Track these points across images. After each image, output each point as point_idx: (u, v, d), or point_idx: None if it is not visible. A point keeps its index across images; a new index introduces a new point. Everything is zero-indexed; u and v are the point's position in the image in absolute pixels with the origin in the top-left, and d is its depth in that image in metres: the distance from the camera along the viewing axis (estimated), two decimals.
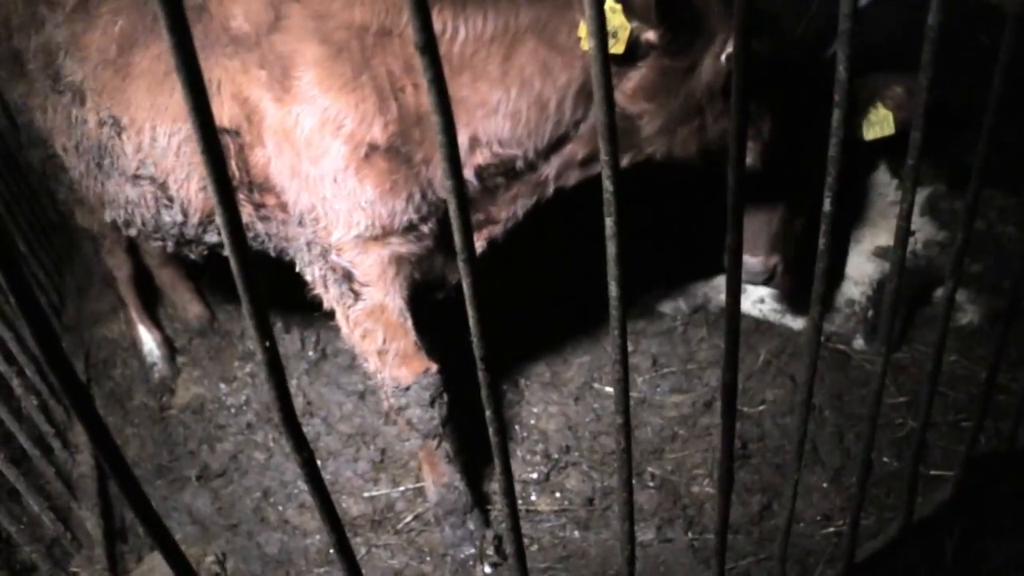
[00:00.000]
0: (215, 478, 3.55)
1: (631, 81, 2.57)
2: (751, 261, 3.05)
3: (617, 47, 2.36)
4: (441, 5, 2.54)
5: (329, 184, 2.61)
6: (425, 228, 2.73)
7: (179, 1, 0.81)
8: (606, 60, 1.11)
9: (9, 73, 3.16)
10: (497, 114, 2.60)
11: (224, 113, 2.68)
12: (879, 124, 3.01)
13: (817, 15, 4.26)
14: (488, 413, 1.28)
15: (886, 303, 1.80)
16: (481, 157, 2.68)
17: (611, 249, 1.24)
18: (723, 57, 2.57)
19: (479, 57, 2.56)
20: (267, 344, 1.05)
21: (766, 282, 3.29)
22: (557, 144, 2.70)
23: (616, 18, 2.33)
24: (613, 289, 1.29)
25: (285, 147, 2.64)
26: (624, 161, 2.74)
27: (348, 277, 2.73)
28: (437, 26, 2.54)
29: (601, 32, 1.08)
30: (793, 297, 3.67)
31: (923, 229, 3.41)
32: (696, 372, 3.70)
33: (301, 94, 2.58)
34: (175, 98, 2.74)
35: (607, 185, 1.19)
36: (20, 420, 3.16)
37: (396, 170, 2.59)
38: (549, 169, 2.77)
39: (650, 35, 2.44)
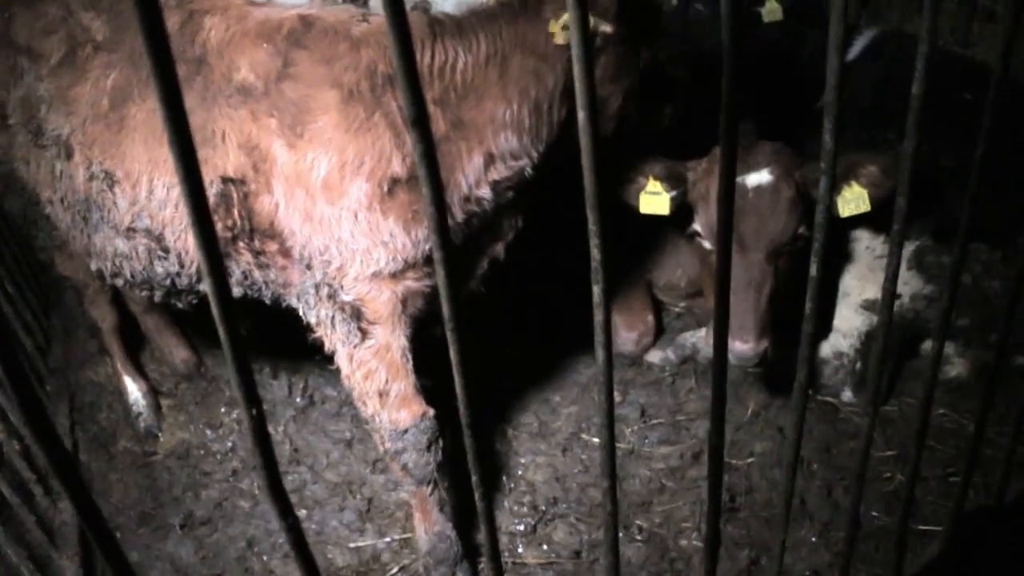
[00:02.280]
0: (199, 526, 3.50)
1: (598, 69, 2.72)
2: (741, 348, 3.05)
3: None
4: (442, 36, 2.66)
5: (348, 223, 2.66)
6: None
7: (168, 55, 0.82)
8: (596, 135, 1.12)
9: None
10: (506, 128, 2.72)
11: (229, 163, 2.71)
12: (854, 201, 3.06)
13: (808, 66, 4.32)
14: (474, 479, 1.27)
15: (872, 364, 1.81)
16: (496, 172, 2.77)
17: (598, 317, 1.24)
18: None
19: (480, 78, 2.69)
20: (254, 412, 1.04)
21: (757, 365, 3.32)
22: (552, 147, 2.84)
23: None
24: (600, 354, 1.29)
25: (297, 191, 2.68)
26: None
27: (357, 315, 2.76)
28: (440, 57, 2.66)
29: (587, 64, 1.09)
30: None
31: (910, 283, 3.44)
32: (684, 423, 3.69)
33: (317, 138, 2.63)
34: None
35: (595, 254, 1.19)
36: (2, 467, 3.14)
37: (416, 200, 2.66)
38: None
39: (607, 28, 2.67)
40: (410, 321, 2.83)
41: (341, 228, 2.67)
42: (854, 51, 4.17)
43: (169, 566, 3.32)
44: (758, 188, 3.11)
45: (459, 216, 2.77)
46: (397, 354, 2.81)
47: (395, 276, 2.73)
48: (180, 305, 3.22)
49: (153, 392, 4.10)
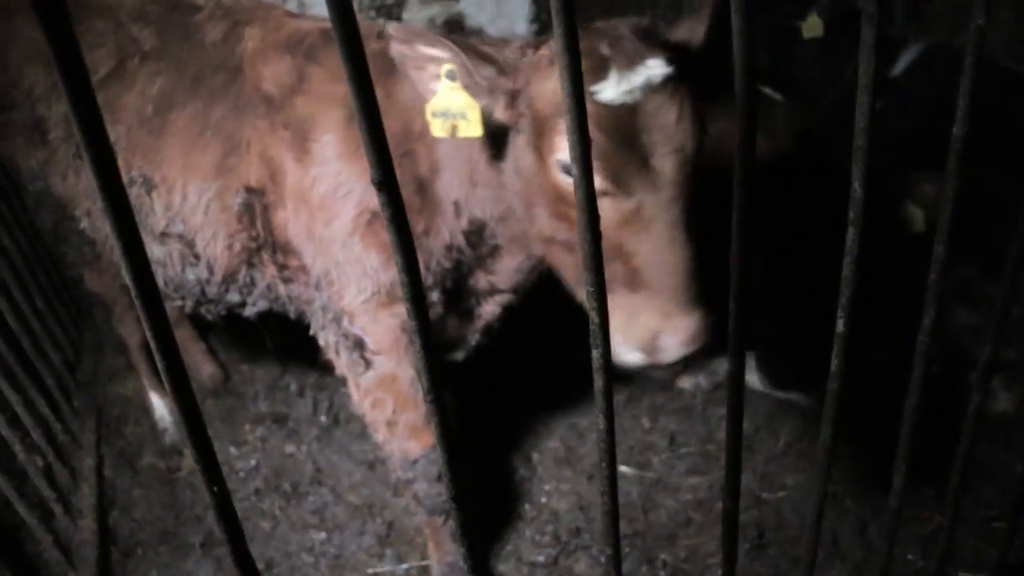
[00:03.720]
0: (219, 546, 3.46)
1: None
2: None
3: (472, 129, 2.29)
4: None
5: (339, 248, 2.62)
6: (432, 296, 2.71)
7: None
8: (592, 199, 1.04)
9: (27, 141, 3.16)
10: (465, 179, 2.57)
11: (252, 172, 2.70)
12: (908, 223, 2.93)
13: (851, 82, 4.19)
14: (462, 550, 1.19)
15: (907, 418, 1.70)
16: (464, 222, 2.64)
17: (598, 383, 1.16)
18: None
19: None
20: (215, 489, 0.98)
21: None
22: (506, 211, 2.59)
23: (459, 98, 2.27)
24: (601, 422, 1.20)
25: (302, 208, 2.65)
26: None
27: (360, 345, 2.71)
28: None
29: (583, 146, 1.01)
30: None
31: (953, 314, 3.29)
32: (715, 453, 3.57)
33: (319, 157, 2.60)
34: (207, 157, 2.75)
35: (593, 317, 1.11)
36: (23, 483, 3.13)
37: None
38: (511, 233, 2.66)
39: (501, 113, 2.32)
40: None
41: (335, 251, 2.63)
42: (900, 66, 4.03)
43: None
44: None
45: (444, 263, 2.68)
46: (405, 385, 2.75)
47: (387, 306, 2.67)
48: (209, 316, 3.21)
49: None
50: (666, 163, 2.08)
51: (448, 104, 2.27)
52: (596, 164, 1.94)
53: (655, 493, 3.43)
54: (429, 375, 1.00)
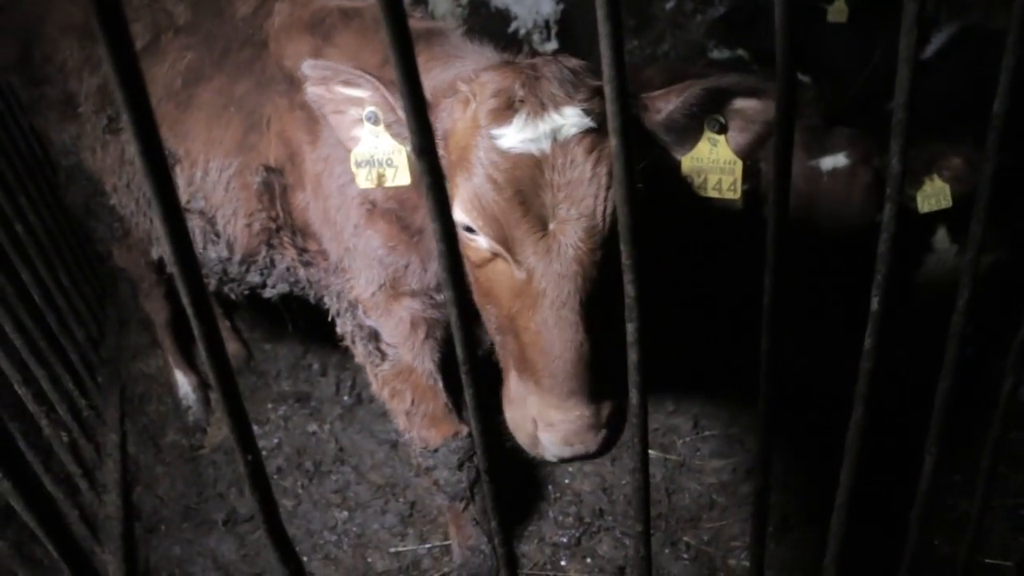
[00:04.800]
0: (242, 523, 3.49)
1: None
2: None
3: (400, 176, 2.09)
4: None
5: (350, 235, 2.54)
6: (438, 297, 2.58)
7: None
8: (629, 155, 1.02)
9: (60, 115, 3.17)
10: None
11: (271, 152, 2.64)
12: (935, 196, 2.87)
13: (879, 66, 4.14)
14: (493, 524, 1.19)
15: (938, 401, 1.67)
16: None
17: (632, 356, 1.14)
18: None
19: None
20: (249, 458, 0.97)
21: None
22: None
23: (384, 143, 2.07)
24: (634, 396, 1.19)
25: (319, 191, 2.60)
26: None
27: (375, 336, 2.65)
28: None
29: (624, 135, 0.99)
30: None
31: (985, 297, 3.24)
32: (738, 436, 3.55)
33: (328, 140, 2.51)
34: (229, 132, 2.71)
35: (629, 290, 1.09)
36: (49, 458, 3.15)
37: (395, 235, 2.47)
38: None
39: None
40: (437, 345, 2.67)
41: (347, 237, 2.54)
42: (931, 48, 3.97)
43: (211, 562, 3.31)
44: (833, 172, 2.97)
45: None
46: (423, 377, 2.67)
47: (395, 298, 2.57)
48: (233, 296, 3.19)
49: (203, 386, 4.11)
50: (568, 230, 1.78)
51: (372, 151, 2.07)
52: (485, 219, 1.79)
53: (679, 476, 3.42)
54: (465, 347, 0.99)
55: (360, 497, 3.53)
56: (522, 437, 1.91)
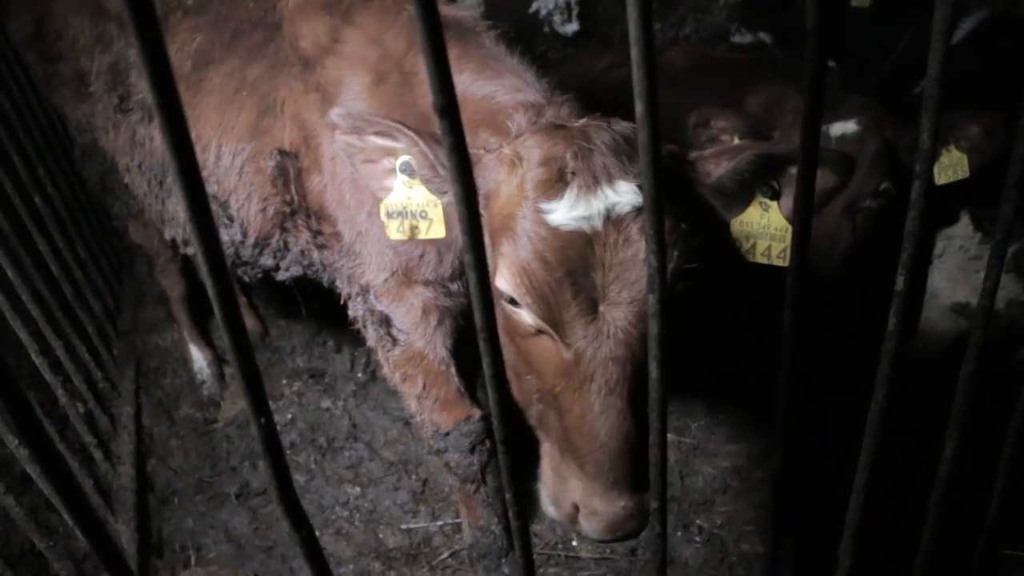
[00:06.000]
0: (254, 497, 3.50)
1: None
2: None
3: (435, 228, 2.02)
4: None
5: (364, 219, 2.49)
6: (453, 286, 2.54)
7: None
8: (655, 126, 1.00)
9: (73, 93, 3.16)
10: None
11: (286, 135, 2.60)
12: (952, 168, 2.81)
13: (905, 51, 4.08)
14: (508, 496, 1.17)
15: (961, 387, 1.65)
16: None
17: (653, 328, 1.12)
18: None
19: None
20: (262, 421, 0.96)
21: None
22: None
23: (418, 194, 1.99)
24: (653, 370, 1.17)
25: (336, 174, 2.55)
26: None
27: (386, 321, 2.61)
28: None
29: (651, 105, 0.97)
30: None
31: (1007, 287, 3.20)
32: (753, 421, 3.53)
33: None
34: (242, 117, 2.67)
35: (651, 260, 1.07)
36: (65, 428, 3.16)
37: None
38: None
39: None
40: (449, 331, 2.61)
41: (360, 221, 2.49)
42: (960, 34, 3.91)
43: (223, 535, 3.33)
44: (842, 137, 2.93)
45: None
46: (435, 363, 2.63)
47: (407, 285, 2.52)
48: (246, 278, 3.17)
49: (218, 361, 4.12)
50: (619, 313, 1.70)
51: (405, 202, 1.99)
52: (533, 296, 1.72)
53: (692, 459, 3.41)
54: (483, 312, 0.97)
55: (373, 473, 3.54)
56: (560, 514, 1.89)
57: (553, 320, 1.73)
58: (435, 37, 0.81)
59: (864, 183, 2.90)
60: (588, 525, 1.81)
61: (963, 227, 3.28)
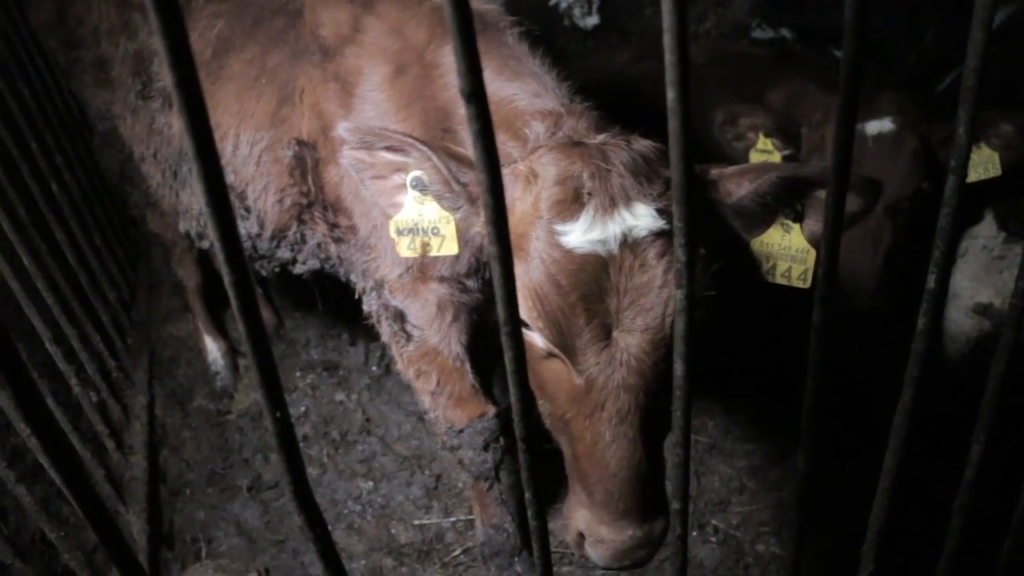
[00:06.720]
0: (266, 490, 3.49)
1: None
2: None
3: (447, 245, 1.97)
4: None
5: (379, 212, 2.41)
6: (469, 283, 2.49)
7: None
8: (686, 113, 0.96)
9: (94, 80, 3.15)
10: None
11: (304, 125, 2.56)
12: (983, 165, 2.78)
13: (930, 47, 4.02)
14: (527, 495, 1.14)
15: (990, 388, 1.60)
16: None
17: (679, 324, 1.09)
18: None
19: None
20: (277, 415, 0.93)
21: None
22: None
23: (430, 211, 1.93)
24: (679, 367, 1.13)
25: None
26: None
27: (400, 317, 2.57)
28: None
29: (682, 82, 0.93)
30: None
31: None
32: (770, 420, 3.48)
33: (360, 113, 2.42)
34: (261, 105, 2.63)
35: (680, 255, 1.04)
36: (77, 417, 3.15)
37: None
38: None
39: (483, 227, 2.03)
40: (464, 328, 2.56)
41: (376, 215, 2.43)
42: None
43: (234, 528, 3.32)
44: (879, 136, 2.89)
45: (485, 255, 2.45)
46: (449, 360, 2.58)
47: (422, 281, 2.47)
48: (263, 272, 3.14)
49: (232, 352, 4.11)
50: (632, 340, 1.66)
51: (416, 218, 1.93)
52: (544, 320, 1.68)
53: (709, 458, 3.37)
54: (507, 305, 0.94)
55: (386, 468, 3.52)
56: (568, 536, 1.88)
57: (565, 345, 1.69)
58: (464, 20, 0.78)
59: (906, 183, 2.87)
60: (594, 552, 1.78)
61: (987, 226, 3.23)
